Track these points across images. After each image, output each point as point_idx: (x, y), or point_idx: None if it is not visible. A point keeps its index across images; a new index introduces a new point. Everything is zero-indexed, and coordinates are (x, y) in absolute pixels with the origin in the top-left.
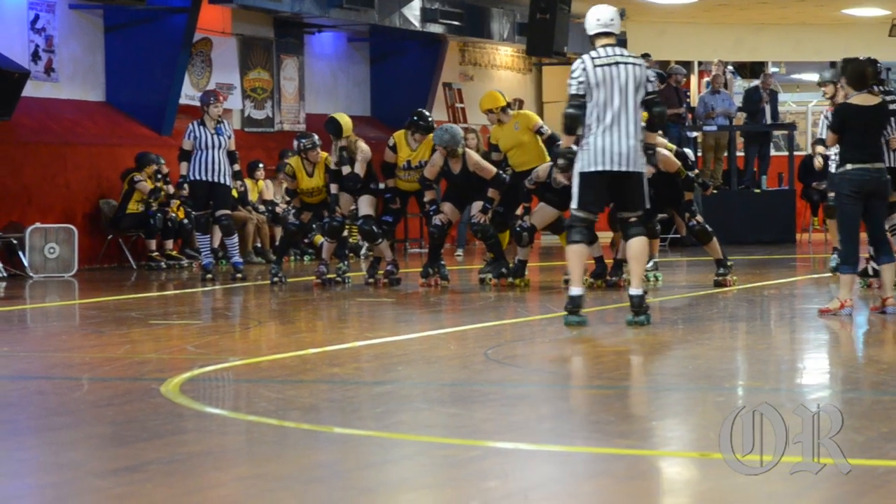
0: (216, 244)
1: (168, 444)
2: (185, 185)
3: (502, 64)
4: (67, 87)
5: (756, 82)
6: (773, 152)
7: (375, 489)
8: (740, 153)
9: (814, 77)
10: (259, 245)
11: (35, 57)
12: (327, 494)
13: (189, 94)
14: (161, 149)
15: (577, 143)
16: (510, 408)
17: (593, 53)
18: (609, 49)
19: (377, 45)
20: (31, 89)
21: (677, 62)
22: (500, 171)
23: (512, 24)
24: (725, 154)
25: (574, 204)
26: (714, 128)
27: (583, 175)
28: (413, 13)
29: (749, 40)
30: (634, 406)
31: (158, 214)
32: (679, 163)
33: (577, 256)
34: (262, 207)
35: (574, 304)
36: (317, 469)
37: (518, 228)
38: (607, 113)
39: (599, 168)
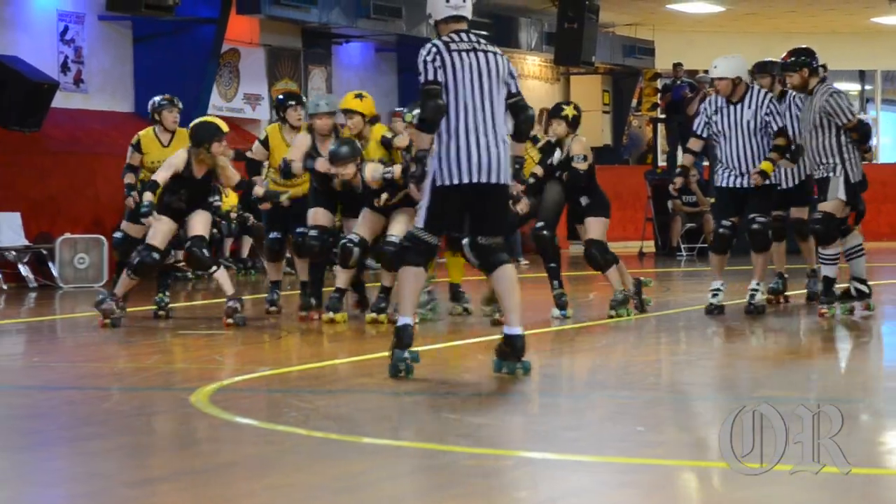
0: (245, 254)
1: (198, 454)
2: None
3: (530, 73)
4: (97, 98)
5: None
6: None
7: (405, 499)
8: None
9: (843, 86)
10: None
11: (64, 68)
12: None
13: (217, 104)
14: None
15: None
16: (539, 417)
17: (445, 38)
18: (464, 34)
19: (405, 56)
20: (60, 100)
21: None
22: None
23: (540, 34)
24: None
25: (419, 222)
26: None
27: (437, 190)
28: None
29: (778, 49)
30: (663, 415)
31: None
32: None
33: (413, 280)
34: None
35: (400, 338)
36: (347, 479)
37: (347, 242)
38: (468, 110)
39: (457, 181)
